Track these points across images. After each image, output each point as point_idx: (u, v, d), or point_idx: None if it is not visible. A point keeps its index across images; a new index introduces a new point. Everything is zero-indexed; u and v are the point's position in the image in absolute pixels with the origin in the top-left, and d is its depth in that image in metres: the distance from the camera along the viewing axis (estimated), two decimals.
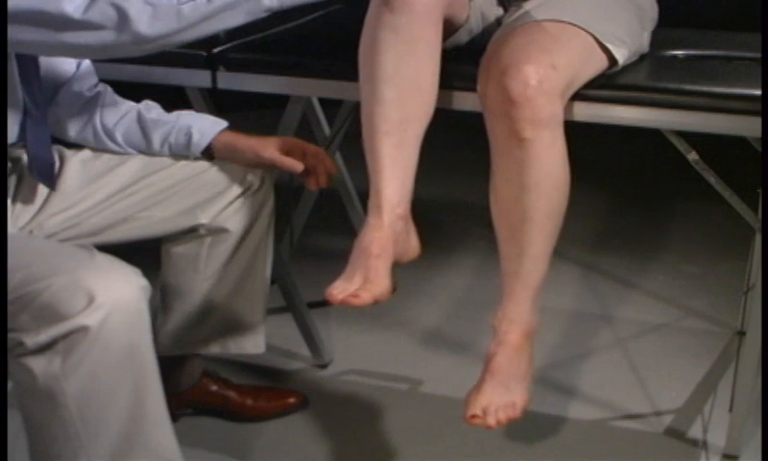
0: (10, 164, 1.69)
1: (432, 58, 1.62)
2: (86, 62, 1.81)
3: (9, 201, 1.70)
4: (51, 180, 1.71)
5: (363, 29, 1.63)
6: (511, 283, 1.60)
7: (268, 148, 1.78)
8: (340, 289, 1.53)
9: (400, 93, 1.59)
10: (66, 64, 1.79)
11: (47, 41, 1.51)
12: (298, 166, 1.78)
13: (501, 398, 1.56)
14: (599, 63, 1.66)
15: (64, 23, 1.46)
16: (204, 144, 1.78)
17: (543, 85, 1.53)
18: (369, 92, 1.61)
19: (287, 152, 1.79)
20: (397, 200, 1.58)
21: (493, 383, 1.57)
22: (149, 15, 1.48)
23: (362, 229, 1.58)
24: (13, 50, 1.56)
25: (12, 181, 1.71)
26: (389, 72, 1.59)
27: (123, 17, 1.47)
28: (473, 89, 1.64)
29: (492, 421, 1.55)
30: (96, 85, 1.83)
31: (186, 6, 1.49)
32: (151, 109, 1.81)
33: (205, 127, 1.79)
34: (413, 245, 1.66)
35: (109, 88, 1.85)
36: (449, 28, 1.72)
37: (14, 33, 1.47)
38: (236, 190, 1.81)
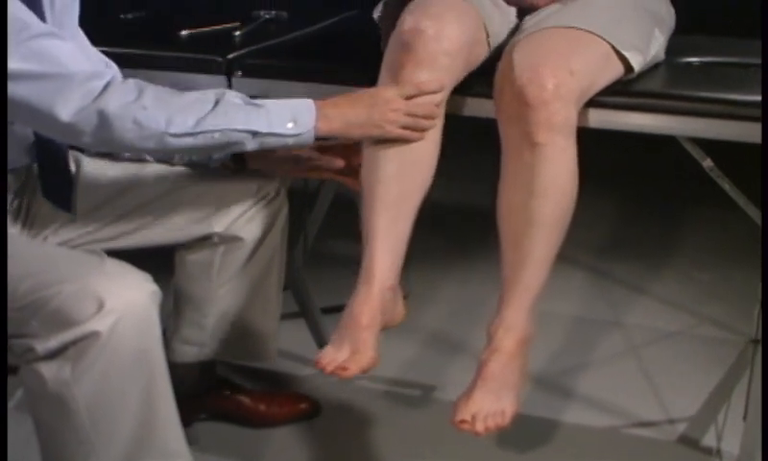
0: (14, 197, 1.69)
1: (436, 131, 1.65)
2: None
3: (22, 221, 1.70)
4: (67, 204, 1.71)
5: None
6: (510, 289, 1.60)
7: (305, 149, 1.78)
8: (329, 359, 1.56)
9: (401, 168, 1.62)
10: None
11: (35, 127, 1.55)
12: (338, 163, 1.79)
13: (491, 405, 1.54)
14: (615, 71, 1.66)
15: (52, 122, 1.46)
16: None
17: (560, 90, 1.53)
18: (370, 167, 1.64)
19: (324, 151, 1.80)
20: (389, 273, 1.60)
21: (484, 390, 1.55)
22: (134, 135, 1.48)
23: (352, 295, 1.60)
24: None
25: (21, 202, 1.71)
26: (392, 148, 1.62)
27: (107, 130, 1.47)
28: (489, 96, 1.64)
29: (480, 427, 1.54)
30: None
31: (173, 139, 1.50)
32: None
33: None
34: (399, 311, 1.70)
35: None
36: (471, 69, 1.72)
37: (9, 110, 1.46)
38: (251, 200, 1.81)
